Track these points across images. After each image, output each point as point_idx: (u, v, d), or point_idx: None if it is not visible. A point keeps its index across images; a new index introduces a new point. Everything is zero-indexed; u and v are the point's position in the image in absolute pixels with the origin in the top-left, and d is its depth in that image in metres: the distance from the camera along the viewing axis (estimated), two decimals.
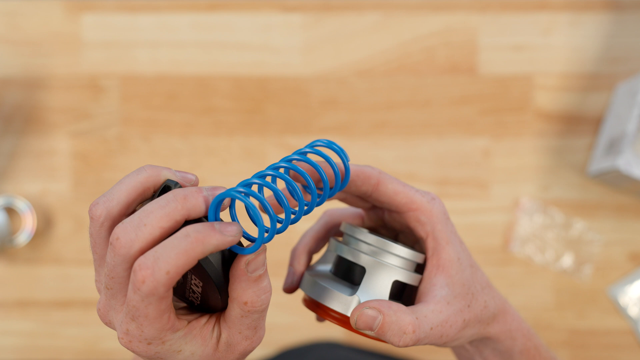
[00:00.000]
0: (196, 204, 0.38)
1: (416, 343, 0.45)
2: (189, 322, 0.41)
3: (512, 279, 0.94)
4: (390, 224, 0.49)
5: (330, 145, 0.44)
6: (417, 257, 0.46)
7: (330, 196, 0.45)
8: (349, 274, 0.46)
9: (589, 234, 0.94)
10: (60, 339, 0.95)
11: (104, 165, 0.96)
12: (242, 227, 0.39)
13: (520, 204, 0.94)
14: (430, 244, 0.47)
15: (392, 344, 0.44)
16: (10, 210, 0.95)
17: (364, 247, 0.46)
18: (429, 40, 0.95)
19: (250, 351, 0.43)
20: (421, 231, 0.47)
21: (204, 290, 0.41)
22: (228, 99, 0.96)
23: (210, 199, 0.39)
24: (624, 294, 0.93)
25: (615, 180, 0.89)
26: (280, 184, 0.92)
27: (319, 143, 0.44)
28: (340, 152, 0.44)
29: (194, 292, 0.42)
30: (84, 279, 0.95)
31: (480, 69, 0.95)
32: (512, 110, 0.95)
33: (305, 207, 0.43)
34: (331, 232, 0.51)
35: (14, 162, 0.96)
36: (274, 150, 0.95)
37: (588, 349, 0.94)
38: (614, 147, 0.87)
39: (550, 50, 0.95)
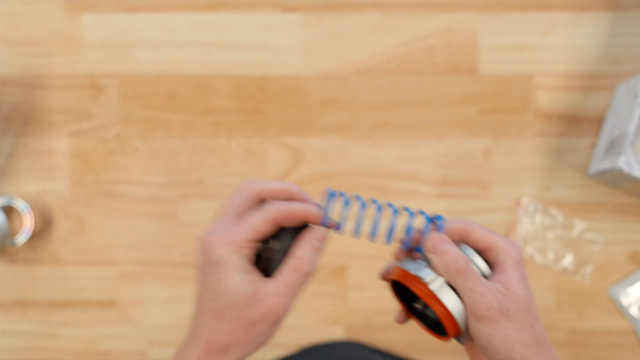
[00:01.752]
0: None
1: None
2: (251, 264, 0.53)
3: None
4: None
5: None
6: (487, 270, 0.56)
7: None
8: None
9: (589, 234, 0.94)
10: (60, 340, 0.95)
11: (103, 165, 0.95)
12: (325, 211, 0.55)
13: (520, 204, 0.94)
14: (499, 266, 0.55)
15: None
16: (9, 210, 0.95)
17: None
18: (429, 40, 0.95)
19: (271, 314, 0.51)
20: (495, 261, 0.55)
21: (272, 255, 0.54)
22: (228, 99, 0.95)
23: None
24: (625, 294, 0.93)
25: (616, 180, 0.89)
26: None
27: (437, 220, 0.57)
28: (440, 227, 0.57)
29: (267, 256, 0.54)
30: (83, 280, 0.95)
31: (480, 68, 0.95)
32: (512, 110, 0.95)
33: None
34: None
35: (13, 162, 0.96)
36: (274, 150, 0.95)
37: (589, 349, 0.94)
38: (614, 147, 0.87)
39: (551, 50, 0.95)
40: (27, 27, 0.96)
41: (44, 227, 0.95)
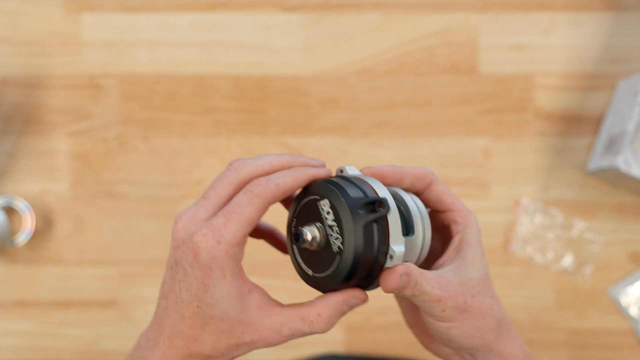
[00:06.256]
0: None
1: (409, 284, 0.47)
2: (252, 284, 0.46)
3: (512, 279, 0.94)
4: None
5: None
6: None
7: None
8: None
9: (589, 234, 0.94)
10: (60, 340, 0.95)
11: (104, 165, 0.95)
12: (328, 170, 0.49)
13: (520, 204, 0.94)
14: (456, 241, 0.51)
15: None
16: (9, 210, 0.95)
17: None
18: (429, 39, 0.95)
19: (261, 343, 0.46)
20: (454, 229, 0.51)
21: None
22: (228, 99, 0.96)
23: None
24: (625, 294, 0.93)
25: (614, 178, 0.89)
26: None
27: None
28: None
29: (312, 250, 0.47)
30: (83, 279, 0.95)
31: (480, 68, 0.95)
32: (512, 110, 0.95)
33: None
34: None
35: (14, 162, 0.96)
36: (273, 150, 0.95)
37: (588, 349, 0.94)
38: (613, 145, 0.87)
39: (551, 50, 0.95)
40: (27, 27, 0.96)
41: (44, 227, 0.95)
